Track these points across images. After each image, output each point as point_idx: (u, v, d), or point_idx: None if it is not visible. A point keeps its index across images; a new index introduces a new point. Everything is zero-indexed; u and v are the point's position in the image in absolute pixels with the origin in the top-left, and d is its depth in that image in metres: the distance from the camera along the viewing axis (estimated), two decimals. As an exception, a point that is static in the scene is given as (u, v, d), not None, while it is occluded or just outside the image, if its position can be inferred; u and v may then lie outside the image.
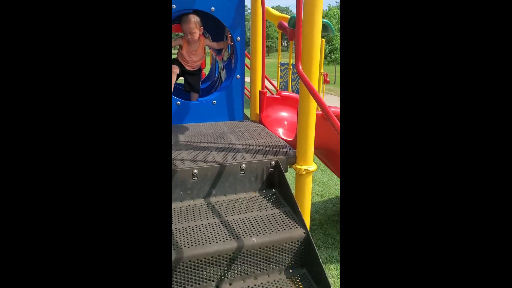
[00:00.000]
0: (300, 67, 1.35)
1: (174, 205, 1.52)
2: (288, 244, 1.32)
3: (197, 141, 1.96)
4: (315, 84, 1.49)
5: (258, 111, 2.51)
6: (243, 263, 1.28)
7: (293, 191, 1.53)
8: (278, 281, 1.30)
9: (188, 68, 2.59)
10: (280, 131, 2.50)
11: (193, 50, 2.48)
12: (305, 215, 1.69)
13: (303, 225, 1.37)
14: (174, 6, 2.17)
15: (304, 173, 1.63)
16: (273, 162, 1.64)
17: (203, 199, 1.57)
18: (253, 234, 1.31)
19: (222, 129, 2.26)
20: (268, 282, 1.30)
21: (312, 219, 3.01)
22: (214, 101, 2.47)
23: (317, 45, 1.44)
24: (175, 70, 2.47)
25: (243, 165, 1.60)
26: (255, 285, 1.28)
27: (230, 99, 2.51)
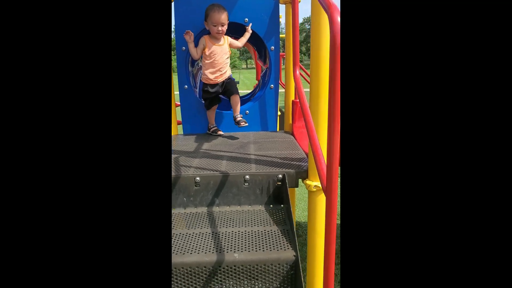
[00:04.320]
0: (297, 72, 1.24)
1: (176, 211, 1.54)
2: (275, 266, 1.21)
3: (217, 149, 1.97)
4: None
5: (291, 122, 2.41)
6: (224, 279, 1.21)
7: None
8: (262, 305, 1.19)
9: (219, 80, 2.21)
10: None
11: (220, 44, 2.18)
12: (317, 237, 1.53)
13: (294, 247, 1.23)
14: (208, 19, 2.26)
15: (315, 189, 1.49)
16: (280, 176, 1.54)
17: (206, 208, 1.55)
18: (238, 250, 1.23)
19: (249, 139, 2.23)
20: (251, 304, 1.20)
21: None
22: (247, 111, 2.47)
23: (325, 46, 1.31)
24: (213, 107, 2.26)
25: (247, 176, 1.53)
26: (235, 305, 1.20)
27: (263, 109, 2.47)
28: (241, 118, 2.20)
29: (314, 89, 1.40)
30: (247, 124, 2.18)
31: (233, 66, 52.35)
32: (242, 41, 2.31)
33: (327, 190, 0.86)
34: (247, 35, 2.29)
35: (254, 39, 2.46)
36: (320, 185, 1.47)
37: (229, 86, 2.25)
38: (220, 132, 2.36)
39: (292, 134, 2.34)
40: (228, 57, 2.26)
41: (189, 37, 2.17)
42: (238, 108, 2.24)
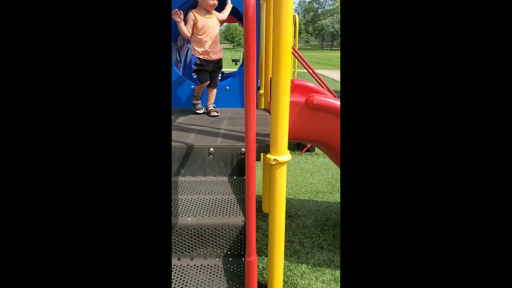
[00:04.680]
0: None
1: (143, 179, 1.62)
2: (225, 230, 1.29)
3: (189, 123, 2.03)
4: (289, 68, 1.39)
5: (269, 99, 2.45)
6: (178, 241, 1.30)
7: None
8: (213, 266, 1.29)
9: (214, 56, 2.20)
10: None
11: (210, 16, 2.15)
12: (276, 209, 1.61)
13: (244, 213, 1.32)
14: (188, -8, 2.25)
15: (274, 163, 1.54)
16: (243, 149, 1.60)
17: (171, 177, 1.63)
18: (191, 215, 1.32)
19: (225, 115, 2.28)
20: (202, 265, 1.30)
21: (326, 219, 2.83)
22: (227, 87, 2.50)
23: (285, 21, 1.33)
24: (205, 83, 2.22)
25: (211, 149, 1.60)
26: (188, 265, 1.30)
27: (243, 85, 2.50)
28: (213, 108, 2.29)
29: (275, 67, 1.43)
30: (218, 114, 2.26)
31: (237, 44, 51.44)
32: (225, 14, 2.32)
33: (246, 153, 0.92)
34: (228, 8, 2.31)
35: (238, 15, 2.46)
36: (279, 159, 1.53)
37: (214, 76, 2.29)
38: (200, 111, 2.38)
39: (269, 112, 2.38)
40: (219, 27, 2.25)
41: (178, 16, 2.02)
42: (213, 99, 2.34)
